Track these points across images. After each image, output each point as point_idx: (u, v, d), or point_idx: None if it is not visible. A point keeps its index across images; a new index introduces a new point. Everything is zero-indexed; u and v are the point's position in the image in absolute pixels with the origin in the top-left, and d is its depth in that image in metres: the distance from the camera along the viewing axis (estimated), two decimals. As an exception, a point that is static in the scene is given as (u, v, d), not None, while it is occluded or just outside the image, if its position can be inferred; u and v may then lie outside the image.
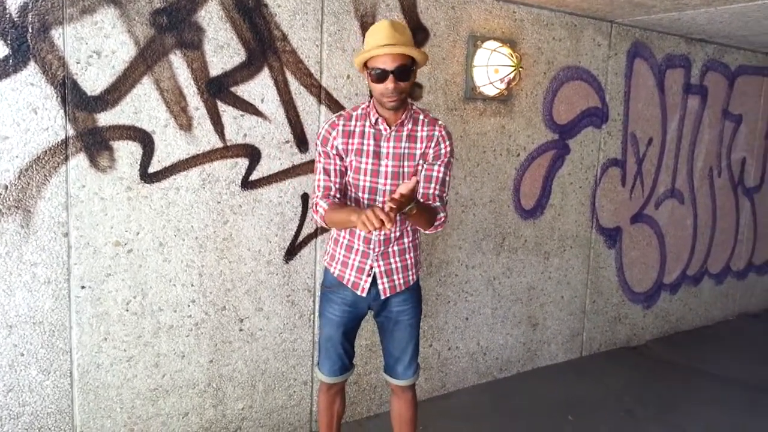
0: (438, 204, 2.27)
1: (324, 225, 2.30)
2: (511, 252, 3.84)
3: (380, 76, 2.12)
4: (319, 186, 2.30)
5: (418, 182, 2.08)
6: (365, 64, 2.18)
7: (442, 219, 2.26)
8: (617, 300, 4.53)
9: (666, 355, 4.55)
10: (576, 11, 3.78)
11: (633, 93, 4.31)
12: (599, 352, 4.50)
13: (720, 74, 4.90)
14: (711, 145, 5.00)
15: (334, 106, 2.98)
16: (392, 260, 2.36)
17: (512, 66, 3.36)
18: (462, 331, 3.70)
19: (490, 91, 3.45)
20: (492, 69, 3.36)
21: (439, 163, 2.29)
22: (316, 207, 2.28)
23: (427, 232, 2.28)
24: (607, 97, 4.16)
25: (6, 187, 2.29)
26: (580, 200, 4.15)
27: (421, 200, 2.24)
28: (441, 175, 2.30)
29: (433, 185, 2.28)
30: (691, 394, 3.86)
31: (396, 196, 1.92)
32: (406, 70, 2.12)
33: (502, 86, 3.43)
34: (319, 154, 2.31)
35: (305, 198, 2.98)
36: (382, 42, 2.10)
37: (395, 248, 2.37)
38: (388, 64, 2.10)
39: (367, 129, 2.27)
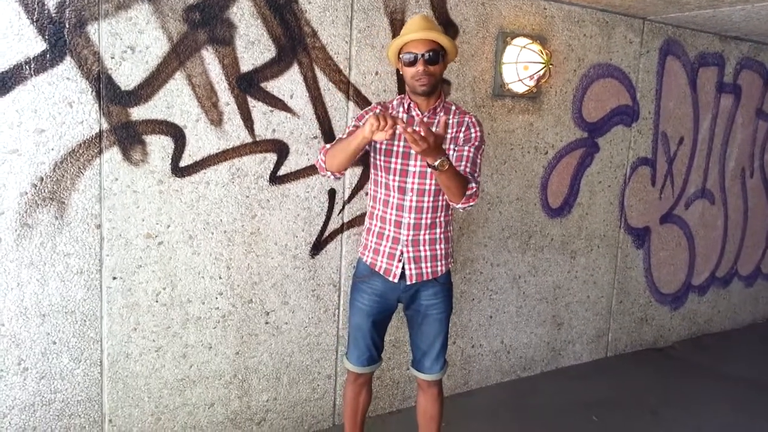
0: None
1: (323, 165, 2.37)
2: (537, 250, 3.82)
3: (411, 61, 2.27)
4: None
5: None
6: (399, 56, 2.33)
7: (474, 189, 2.26)
8: (644, 301, 4.48)
9: (693, 357, 4.50)
10: (608, 8, 3.73)
11: (664, 91, 4.24)
12: (625, 352, 4.46)
13: (755, 73, 4.80)
14: (744, 145, 4.90)
15: (363, 102, 2.99)
16: (422, 248, 2.39)
17: (542, 63, 3.33)
18: (486, 329, 3.69)
19: (519, 88, 3.42)
20: (521, 66, 3.34)
21: (469, 145, 2.34)
22: (319, 153, 2.41)
23: (459, 206, 2.27)
24: (638, 95, 4.11)
25: (41, 179, 2.34)
26: (609, 199, 4.11)
27: None
28: (471, 155, 2.33)
29: (463, 163, 2.31)
30: (718, 398, 3.80)
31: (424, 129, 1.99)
32: (435, 55, 2.25)
33: (532, 83, 3.40)
34: (350, 127, 2.41)
35: (332, 193, 3.00)
36: (413, 30, 2.28)
37: (426, 237, 2.39)
38: (419, 48, 2.25)
39: (401, 115, 2.38)
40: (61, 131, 2.35)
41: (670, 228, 4.53)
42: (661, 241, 4.49)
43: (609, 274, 4.23)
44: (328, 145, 2.39)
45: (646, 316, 4.52)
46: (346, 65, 2.94)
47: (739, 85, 4.71)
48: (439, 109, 2.37)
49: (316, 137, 2.91)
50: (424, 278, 2.42)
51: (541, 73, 3.36)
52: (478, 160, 2.35)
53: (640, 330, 4.51)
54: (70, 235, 2.43)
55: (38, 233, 2.37)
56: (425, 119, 2.34)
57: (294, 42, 2.78)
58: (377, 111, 2.35)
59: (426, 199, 2.36)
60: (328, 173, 2.40)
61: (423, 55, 2.24)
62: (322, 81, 2.89)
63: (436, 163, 2.07)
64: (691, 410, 3.62)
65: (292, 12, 2.76)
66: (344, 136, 2.37)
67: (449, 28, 3.21)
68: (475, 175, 2.31)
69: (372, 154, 2.43)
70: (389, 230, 2.40)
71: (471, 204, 2.27)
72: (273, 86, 2.77)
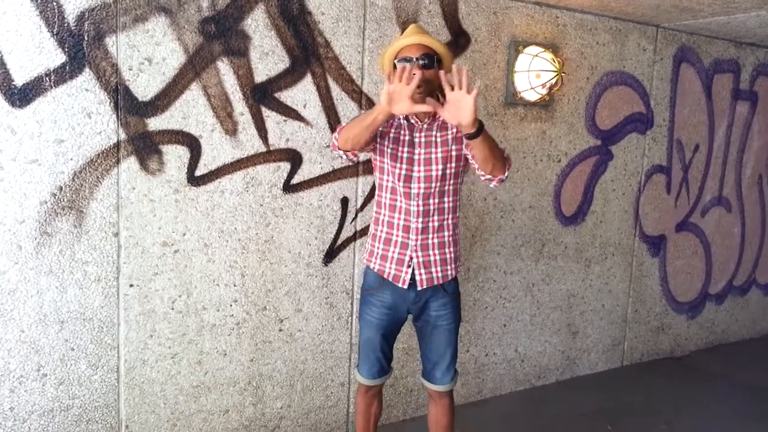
0: None
1: (336, 143, 2.31)
2: (550, 258, 3.81)
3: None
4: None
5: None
6: (394, 66, 2.28)
7: (505, 149, 2.28)
8: (660, 309, 4.45)
9: (710, 366, 4.45)
10: (620, 16, 3.73)
11: (679, 98, 4.23)
12: (641, 361, 4.42)
13: (771, 79, 4.77)
14: (761, 152, 4.86)
15: (375, 111, 3.02)
16: (431, 252, 2.38)
17: (554, 71, 3.34)
18: (500, 337, 3.69)
19: (532, 96, 3.43)
20: (533, 74, 3.35)
21: None
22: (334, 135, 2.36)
23: (506, 174, 2.26)
24: (652, 103, 4.10)
25: (60, 189, 2.40)
26: (623, 207, 4.10)
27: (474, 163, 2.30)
28: None
29: None
30: (735, 408, 3.76)
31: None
32: (430, 59, 2.23)
33: (544, 91, 3.41)
34: None
35: (345, 202, 3.02)
36: (407, 37, 2.27)
37: (435, 240, 2.38)
38: (414, 53, 2.23)
39: (401, 121, 2.35)
40: (80, 141, 2.41)
41: (686, 236, 4.50)
42: (677, 249, 4.46)
43: (624, 283, 4.21)
44: (344, 124, 2.37)
45: (663, 325, 4.49)
46: (359, 75, 2.98)
47: (756, 92, 4.68)
48: (438, 116, 2.32)
49: (329, 146, 2.94)
50: (435, 283, 2.40)
51: (554, 81, 3.37)
52: None
53: (656, 339, 4.47)
54: (89, 243, 2.48)
55: (57, 241, 2.42)
56: (425, 125, 2.33)
57: (307, 52, 2.82)
58: None
59: (432, 201, 2.34)
60: (340, 152, 2.34)
61: (418, 59, 2.20)
62: (335, 91, 2.92)
63: (474, 130, 2.06)
64: (708, 420, 3.58)
65: (306, 23, 2.80)
66: None
67: (461, 37, 3.23)
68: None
69: (376, 158, 2.40)
70: (397, 235, 2.38)
71: (508, 171, 2.28)
72: (286, 96, 2.81)
